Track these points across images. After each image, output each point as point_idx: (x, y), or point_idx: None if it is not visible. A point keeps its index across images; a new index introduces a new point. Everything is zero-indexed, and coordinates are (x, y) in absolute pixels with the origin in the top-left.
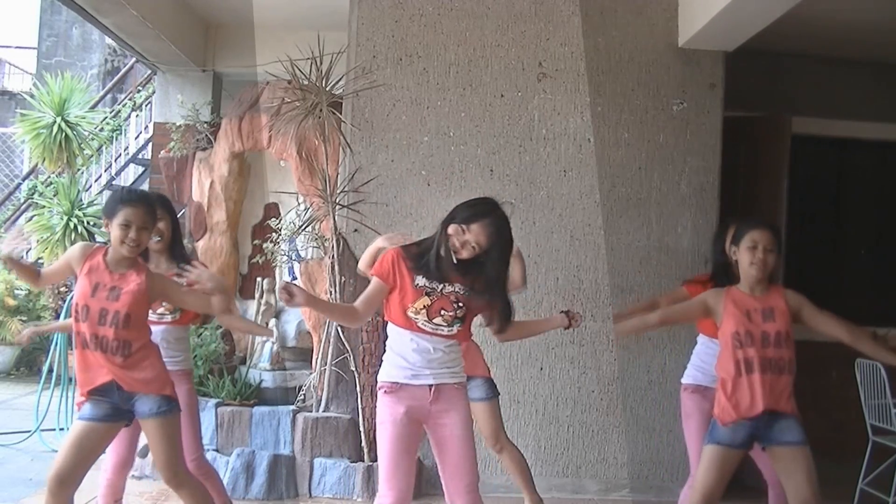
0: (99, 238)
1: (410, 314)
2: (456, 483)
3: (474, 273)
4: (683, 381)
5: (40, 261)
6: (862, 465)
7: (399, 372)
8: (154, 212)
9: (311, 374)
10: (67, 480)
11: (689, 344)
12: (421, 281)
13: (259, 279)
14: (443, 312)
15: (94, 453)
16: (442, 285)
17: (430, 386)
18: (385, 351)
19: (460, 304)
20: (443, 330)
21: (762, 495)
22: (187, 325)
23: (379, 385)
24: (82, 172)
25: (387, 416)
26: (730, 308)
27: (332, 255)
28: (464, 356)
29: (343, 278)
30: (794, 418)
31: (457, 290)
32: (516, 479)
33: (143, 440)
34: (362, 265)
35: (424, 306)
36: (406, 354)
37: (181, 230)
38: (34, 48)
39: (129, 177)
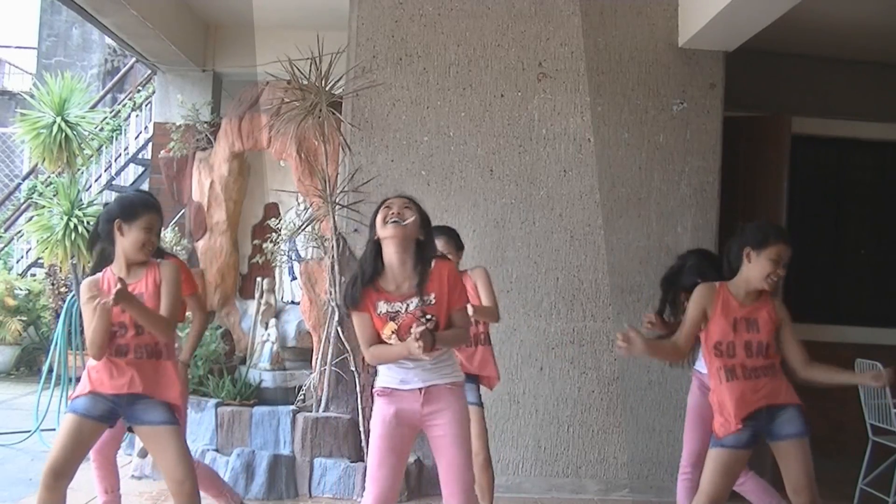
0: None
1: (385, 339)
2: (451, 484)
3: (421, 275)
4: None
5: (40, 261)
6: (862, 465)
7: (390, 379)
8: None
9: (311, 374)
10: (62, 473)
11: None
12: (383, 307)
13: (259, 279)
14: (412, 331)
15: (86, 446)
16: (405, 304)
17: (420, 389)
18: None
19: (428, 317)
20: None
21: None
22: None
23: (375, 390)
24: (82, 172)
25: (378, 417)
26: (718, 312)
27: (332, 255)
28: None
29: (343, 278)
30: (796, 408)
31: (419, 302)
32: (487, 496)
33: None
34: None
35: (392, 331)
36: (392, 366)
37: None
38: (34, 48)
39: (129, 177)
